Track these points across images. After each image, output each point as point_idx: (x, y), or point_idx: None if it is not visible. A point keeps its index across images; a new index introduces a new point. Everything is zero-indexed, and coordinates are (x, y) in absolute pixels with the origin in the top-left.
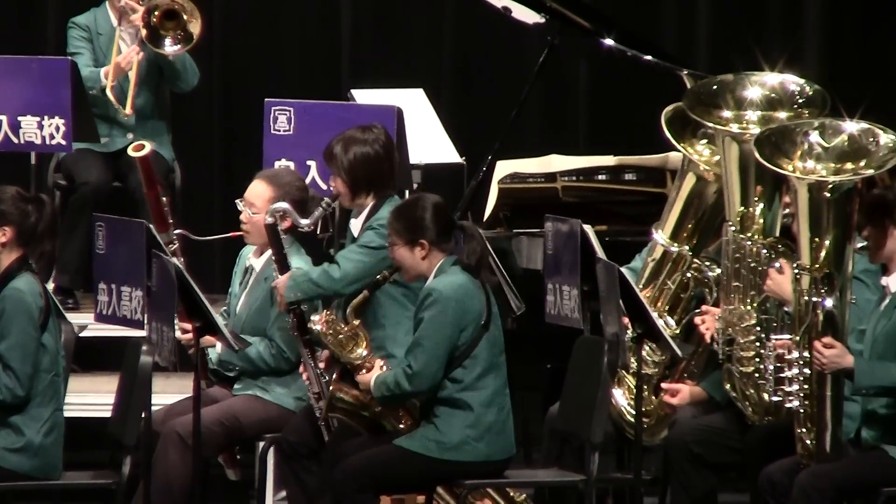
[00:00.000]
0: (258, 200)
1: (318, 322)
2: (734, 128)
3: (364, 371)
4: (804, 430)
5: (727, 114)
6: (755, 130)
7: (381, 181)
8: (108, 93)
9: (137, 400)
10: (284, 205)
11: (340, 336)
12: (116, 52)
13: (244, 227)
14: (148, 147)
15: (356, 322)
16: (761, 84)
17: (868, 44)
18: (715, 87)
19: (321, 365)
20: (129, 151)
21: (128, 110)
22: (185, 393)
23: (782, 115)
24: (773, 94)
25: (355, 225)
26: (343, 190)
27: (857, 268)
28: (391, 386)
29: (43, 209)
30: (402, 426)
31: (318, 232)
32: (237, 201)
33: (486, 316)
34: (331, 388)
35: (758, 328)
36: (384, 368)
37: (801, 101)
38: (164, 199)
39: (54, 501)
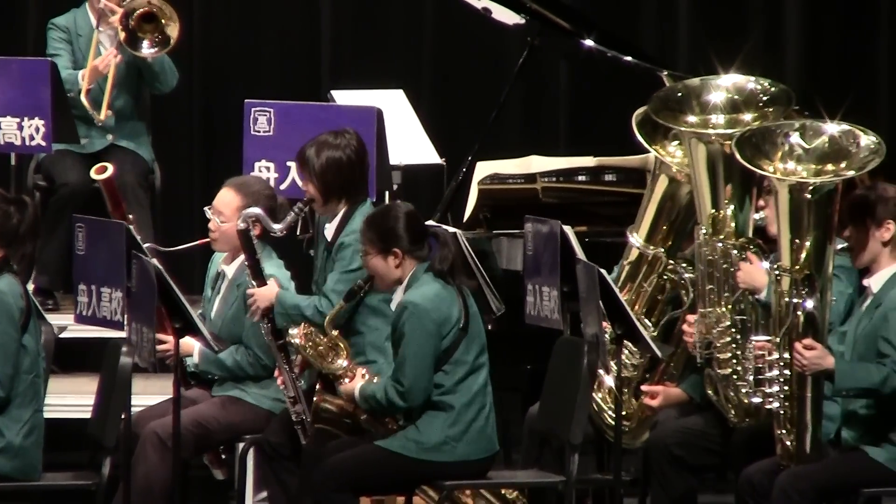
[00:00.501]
0: (226, 208)
1: (296, 336)
2: (700, 130)
3: (346, 381)
4: (784, 431)
5: (693, 118)
6: (721, 131)
7: (353, 187)
8: (83, 98)
9: (117, 401)
10: (257, 210)
11: (320, 347)
12: (95, 54)
13: (212, 235)
14: (110, 169)
15: (335, 333)
16: (724, 87)
17: (848, 46)
18: (680, 92)
19: (296, 370)
20: (92, 174)
21: (102, 115)
22: (165, 394)
23: (748, 116)
24: (736, 96)
25: (329, 230)
26: (315, 195)
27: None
28: (382, 402)
29: (25, 210)
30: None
31: (297, 233)
32: (206, 209)
33: (465, 318)
34: (314, 399)
35: (733, 330)
36: (366, 377)
37: (765, 99)
38: (131, 216)
39: (34, 502)
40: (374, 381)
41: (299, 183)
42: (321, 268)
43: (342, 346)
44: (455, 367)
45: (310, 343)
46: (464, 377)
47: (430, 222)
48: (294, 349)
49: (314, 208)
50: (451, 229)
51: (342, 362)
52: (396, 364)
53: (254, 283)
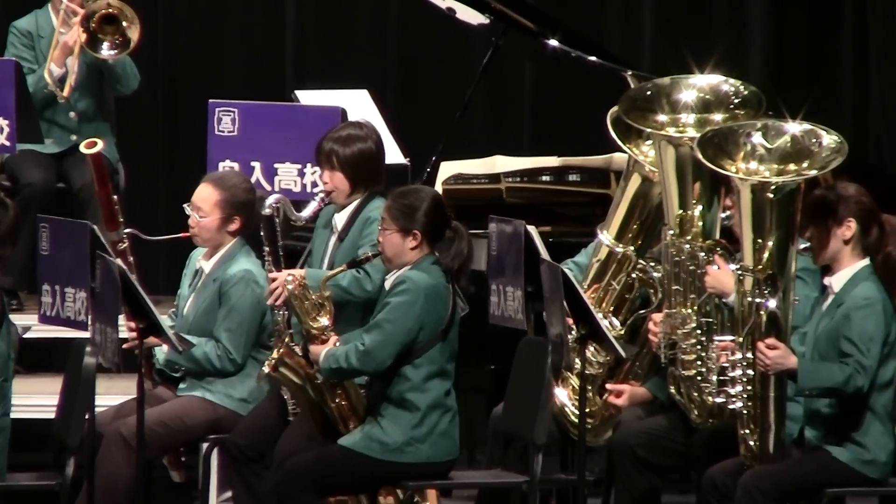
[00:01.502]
0: (205, 204)
1: (291, 282)
2: (671, 131)
3: (318, 342)
4: (747, 431)
5: (663, 118)
6: (692, 134)
7: (378, 176)
8: (46, 74)
9: (81, 401)
10: (281, 196)
11: (307, 302)
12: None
13: (192, 231)
14: (100, 144)
15: (326, 294)
16: (696, 87)
17: (812, 45)
18: (649, 91)
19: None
20: (81, 148)
21: (66, 92)
22: (129, 394)
23: (718, 117)
24: (707, 97)
25: (340, 218)
26: (343, 185)
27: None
28: (340, 359)
29: (6, 214)
30: (335, 403)
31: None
32: (185, 206)
33: (448, 323)
34: (281, 350)
35: (699, 331)
36: (337, 344)
37: (736, 101)
38: (115, 196)
39: None
40: None
41: (264, 182)
42: (318, 255)
43: (328, 307)
44: (424, 363)
45: (299, 294)
46: (429, 377)
47: None
48: (288, 294)
49: (335, 200)
50: None
51: (324, 322)
52: (368, 325)
53: (273, 269)
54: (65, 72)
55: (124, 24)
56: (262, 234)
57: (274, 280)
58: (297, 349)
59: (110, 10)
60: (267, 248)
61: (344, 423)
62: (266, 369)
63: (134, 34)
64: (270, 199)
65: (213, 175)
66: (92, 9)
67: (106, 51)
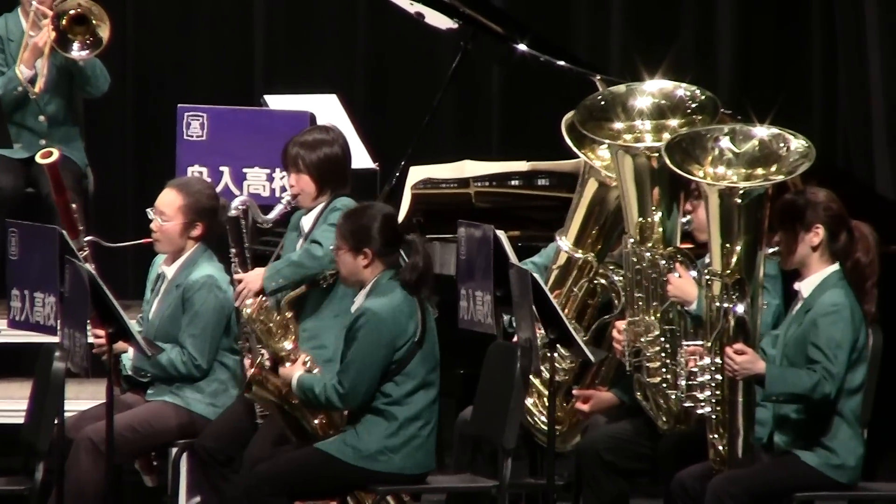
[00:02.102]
0: (168, 208)
1: (251, 305)
2: (628, 139)
3: (287, 364)
4: (716, 435)
5: (619, 125)
6: (649, 140)
7: (344, 179)
8: (17, 70)
9: (50, 406)
10: (248, 198)
11: (271, 324)
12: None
13: (155, 236)
14: (56, 153)
15: (289, 314)
16: (651, 93)
17: (780, 49)
18: (605, 100)
19: (267, 363)
20: (38, 158)
21: (37, 88)
22: (98, 399)
23: (674, 122)
24: (663, 102)
25: (307, 220)
26: (309, 189)
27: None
28: (320, 399)
29: None
30: (315, 422)
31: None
32: (148, 210)
33: (421, 333)
34: (252, 371)
35: (662, 339)
36: (307, 365)
37: (693, 106)
38: (74, 205)
39: None
40: (315, 371)
41: (232, 187)
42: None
43: (292, 328)
44: (406, 379)
45: (261, 317)
46: (413, 391)
47: None
48: (247, 318)
49: (301, 203)
50: None
51: (287, 345)
52: (343, 366)
53: (239, 271)
54: (34, 73)
55: (94, 23)
56: (228, 235)
57: (241, 281)
58: (268, 362)
59: (80, 10)
60: (233, 250)
61: (324, 434)
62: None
63: (104, 33)
64: (237, 201)
65: (178, 180)
66: (62, 8)
67: (76, 51)
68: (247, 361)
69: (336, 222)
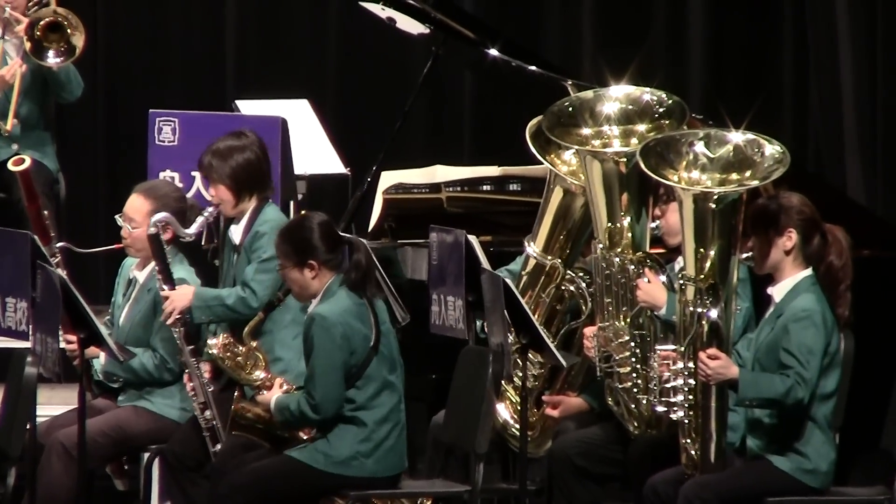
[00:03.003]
0: (137, 214)
1: (214, 346)
2: (596, 144)
3: (264, 392)
4: (689, 440)
5: (587, 131)
6: (617, 146)
7: (262, 183)
8: None
9: (22, 411)
10: (166, 215)
11: (238, 358)
12: (0, 64)
13: (125, 242)
14: (28, 161)
15: (253, 344)
16: (618, 98)
17: (752, 54)
18: (572, 106)
19: (206, 375)
20: (10, 166)
21: (8, 126)
22: (70, 404)
23: (642, 127)
24: (630, 108)
25: (236, 231)
26: (227, 197)
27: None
28: (296, 414)
29: None
30: (303, 436)
31: (202, 243)
32: (117, 217)
33: (375, 336)
34: (233, 407)
35: (633, 344)
36: (283, 387)
37: (661, 111)
38: (46, 212)
39: None
40: (293, 390)
41: (204, 192)
42: (227, 272)
43: (260, 356)
44: (367, 382)
45: (228, 354)
46: (376, 393)
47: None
48: (213, 359)
49: (223, 212)
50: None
51: (260, 373)
52: (307, 377)
53: (165, 288)
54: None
55: (69, 31)
56: (151, 253)
57: (167, 298)
58: (243, 401)
59: (56, 18)
60: (156, 267)
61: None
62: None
63: (79, 41)
64: (155, 218)
65: (144, 185)
66: (37, 16)
67: (52, 58)
68: (187, 379)
69: (274, 243)
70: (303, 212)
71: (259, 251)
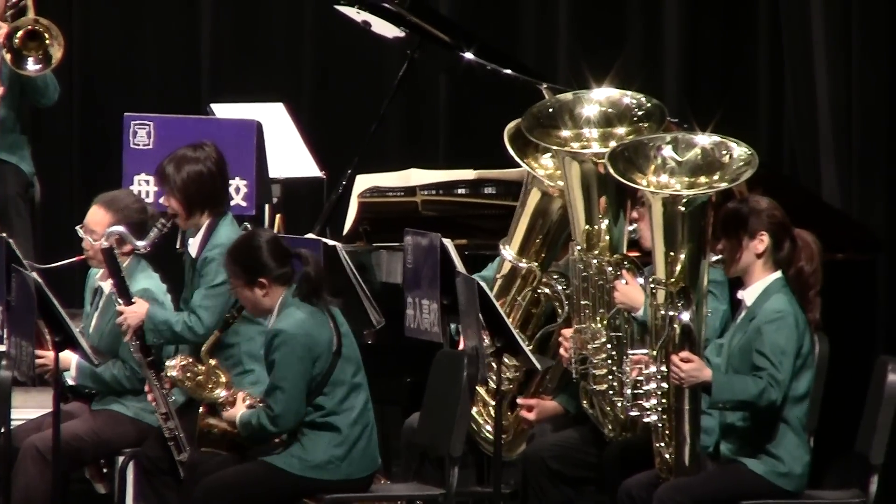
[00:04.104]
0: (98, 227)
1: (173, 368)
2: (575, 146)
3: (228, 408)
4: (663, 444)
5: (566, 133)
6: (596, 148)
7: (215, 199)
8: None
9: None
10: (119, 228)
11: (199, 378)
12: None
13: (87, 253)
14: None
15: (212, 362)
16: (598, 101)
17: (727, 57)
18: (552, 107)
19: (167, 386)
20: None
21: None
22: (45, 408)
23: (621, 130)
24: (610, 110)
25: (193, 245)
26: (178, 210)
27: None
28: (256, 427)
29: None
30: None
31: (177, 246)
32: (77, 228)
33: (337, 341)
34: (199, 423)
35: (609, 346)
36: (247, 401)
37: (639, 114)
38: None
39: None
40: (258, 402)
41: None
42: (188, 283)
43: (221, 373)
44: (334, 388)
45: (188, 374)
46: (345, 397)
47: (309, 235)
48: (173, 381)
49: (177, 223)
50: (332, 242)
51: (221, 392)
52: (267, 390)
53: (120, 302)
54: None
55: (48, 40)
56: (105, 268)
57: (121, 314)
58: (212, 419)
59: (37, 27)
60: (111, 281)
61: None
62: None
63: (57, 53)
64: (107, 231)
65: (105, 197)
66: (17, 25)
67: (31, 66)
68: (150, 394)
69: (223, 262)
70: (248, 227)
71: (207, 276)
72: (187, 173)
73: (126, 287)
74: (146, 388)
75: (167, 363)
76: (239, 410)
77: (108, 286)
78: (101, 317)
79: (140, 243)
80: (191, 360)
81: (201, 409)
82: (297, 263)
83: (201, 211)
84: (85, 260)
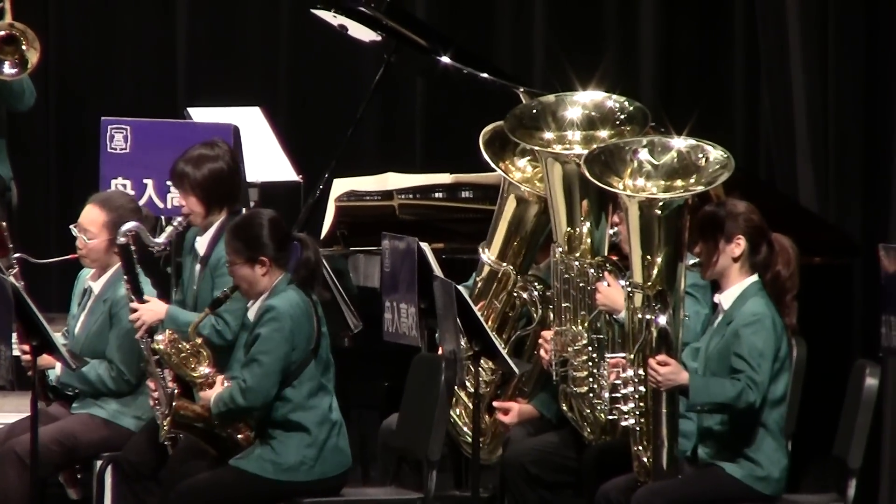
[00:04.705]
0: (92, 225)
1: (161, 342)
2: (557, 149)
3: (206, 388)
4: (640, 447)
5: (549, 135)
6: (578, 151)
7: (233, 196)
8: None
9: None
10: (136, 224)
11: (183, 354)
12: None
13: (80, 253)
14: None
15: (198, 340)
16: (581, 104)
17: (702, 60)
18: (535, 109)
19: (171, 385)
20: None
21: None
22: (23, 412)
23: (604, 133)
24: (593, 113)
25: (201, 243)
26: (198, 208)
27: (685, 282)
28: (227, 401)
29: None
30: (240, 436)
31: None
32: (71, 227)
33: (316, 339)
34: (174, 404)
35: (589, 348)
36: (226, 384)
37: (622, 117)
38: (3, 224)
39: None
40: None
41: (156, 200)
42: (188, 282)
43: (205, 353)
44: (302, 382)
45: (173, 350)
46: (310, 394)
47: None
48: (159, 355)
49: (193, 222)
50: None
51: (203, 369)
52: (246, 361)
53: (133, 299)
54: None
55: (24, 45)
56: (121, 263)
57: (135, 311)
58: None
59: (11, 32)
60: (125, 278)
61: (235, 432)
62: (163, 433)
63: (33, 57)
64: (124, 228)
65: (100, 196)
66: None
67: (7, 70)
68: (151, 382)
69: (224, 240)
70: (253, 207)
71: (226, 277)
72: (208, 170)
73: (139, 284)
74: (151, 385)
75: (156, 336)
76: (215, 392)
77: (97, 286)
78: (89, 317)
79: (156, 240)
80: (177, 336)
81: (176, 391)
82: (297, 248)
83: (220, 208)
84: (77, 259)
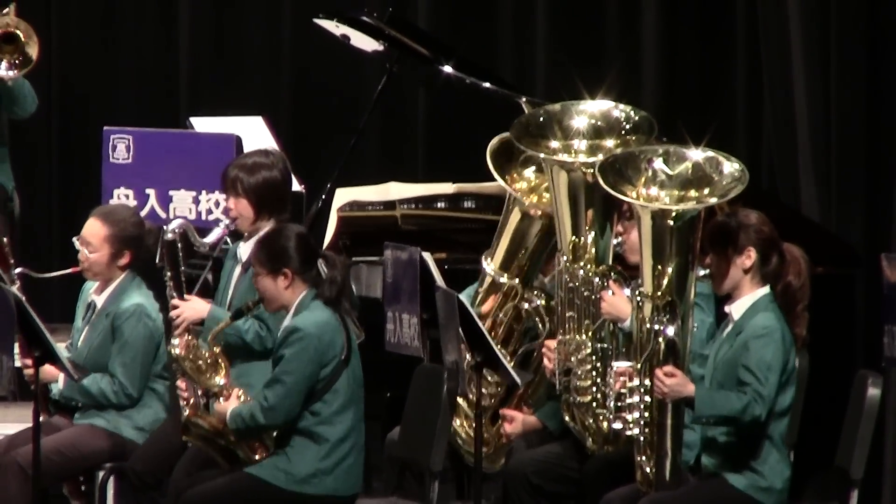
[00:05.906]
0: (94, 238)
1: (178, 346)
2: (563, 157)
3: (221, 400)
4: (644, 457)
5: (555, 144)
6: (584, 159)
7: (282, 205)
8: None
9: None
10: (184, 221)
11: (200, 362)
12: None
13: (82, 265)
14: None
15: (217, 349)
16: (587, 113)
17: (704, 71)
18: (542, 117)
19: (199, 390)
20: None
21: None
22: (25, 422)
23: (610, 142)
24: (599, 122)
25: (244, 249)
26: (247, 213)
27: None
28: (246, 419)
29: None
30: (256, 457)
31: (156, 260)
32: (74, 240)
33: (347, 351)
34: (187, 413)
35: (593, 357)
36: (241, 398)
37: (627, 127)
38: (4, 239)
39: None
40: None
41: (158, 210)
42: (225, 284)
43: (222, 363)
44: (334, 396)
45: (190, 356)
46: (341, 409)
47: None
48: (173, 359)
49: (240, 227)
50: None
51: (220, 380)
52: (269, 381)
53: (175, 296)
54: None
55: (23, 41)
56: (164, 259)
57: (176, 308)
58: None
59: (9, 29)
60: (168, 274)
61: (252, 451)
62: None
63: (33, 52)
64: (173, 224)
65: (102, 209)
66: None
67: (5, 70)
68: (181, 383)
69: (251, 258)
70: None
71: None
72: (263, 177)
73: (181, 283)
74: (181, 386)
75: (172, 340)
76: (230, 405)
77: (101, 300)
78: (91, 331)
79: (204, 240)
80: (196, 342)
81: (191, 401)
82: (323, 265)
83: (269, 215)
84: (80, 272)
